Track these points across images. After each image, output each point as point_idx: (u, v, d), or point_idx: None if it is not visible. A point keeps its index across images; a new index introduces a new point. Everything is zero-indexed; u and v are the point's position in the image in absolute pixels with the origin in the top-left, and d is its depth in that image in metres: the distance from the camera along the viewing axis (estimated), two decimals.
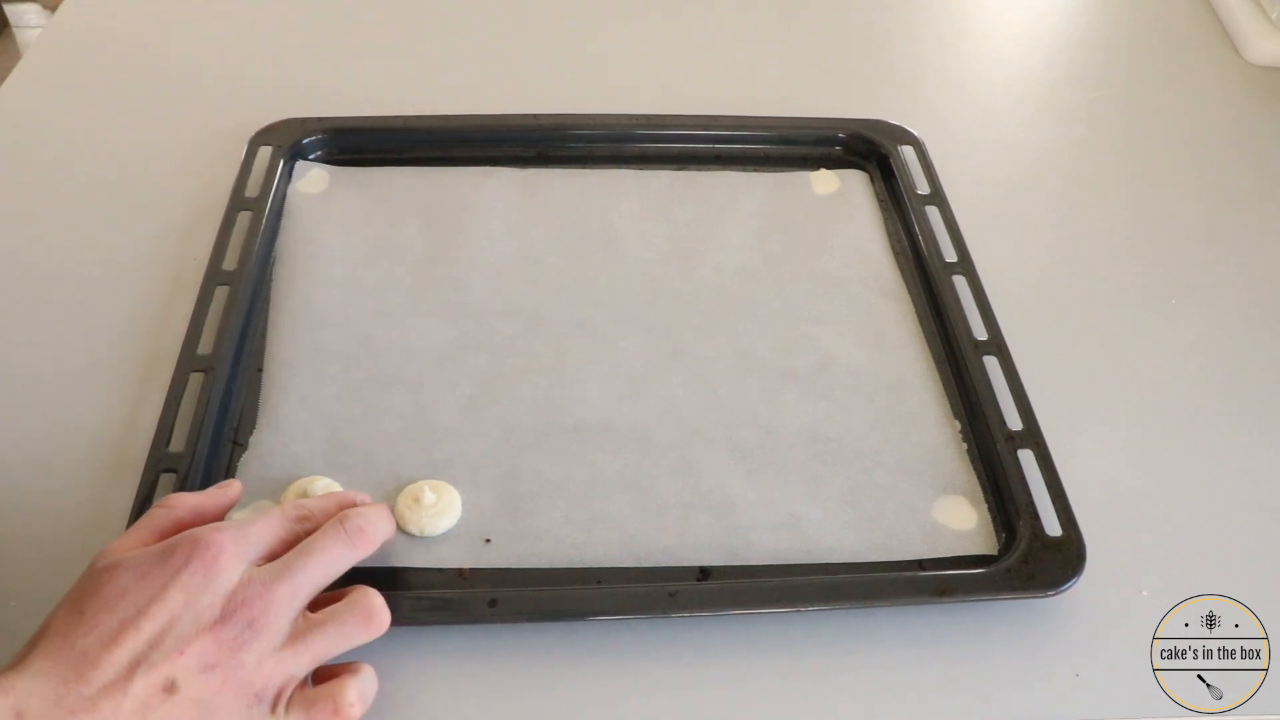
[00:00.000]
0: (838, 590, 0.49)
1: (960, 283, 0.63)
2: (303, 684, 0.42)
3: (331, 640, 0.42)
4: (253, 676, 0.40)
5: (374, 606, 0.43)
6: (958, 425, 0.56)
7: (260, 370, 0.58)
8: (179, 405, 0.54)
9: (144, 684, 0.38)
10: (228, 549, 0.41)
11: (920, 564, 0.50)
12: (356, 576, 0.49)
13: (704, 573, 0.50)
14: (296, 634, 0.41)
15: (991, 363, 0.58)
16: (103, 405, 0.56)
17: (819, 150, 0.74)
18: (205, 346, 0.57)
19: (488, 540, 0.50)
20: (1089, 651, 0.48)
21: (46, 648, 0.38)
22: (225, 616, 0.39)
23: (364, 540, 0.45)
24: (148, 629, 0.38)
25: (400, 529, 0.50)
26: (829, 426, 0.56)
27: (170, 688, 0.38)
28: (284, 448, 0.53)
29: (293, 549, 0.43)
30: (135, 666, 0.38)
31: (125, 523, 0.49)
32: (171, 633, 0.38)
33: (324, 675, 0.43)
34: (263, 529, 0.43)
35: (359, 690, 0.43)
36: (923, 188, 0.70)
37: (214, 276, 0.61)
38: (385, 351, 0.59)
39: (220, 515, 0.46)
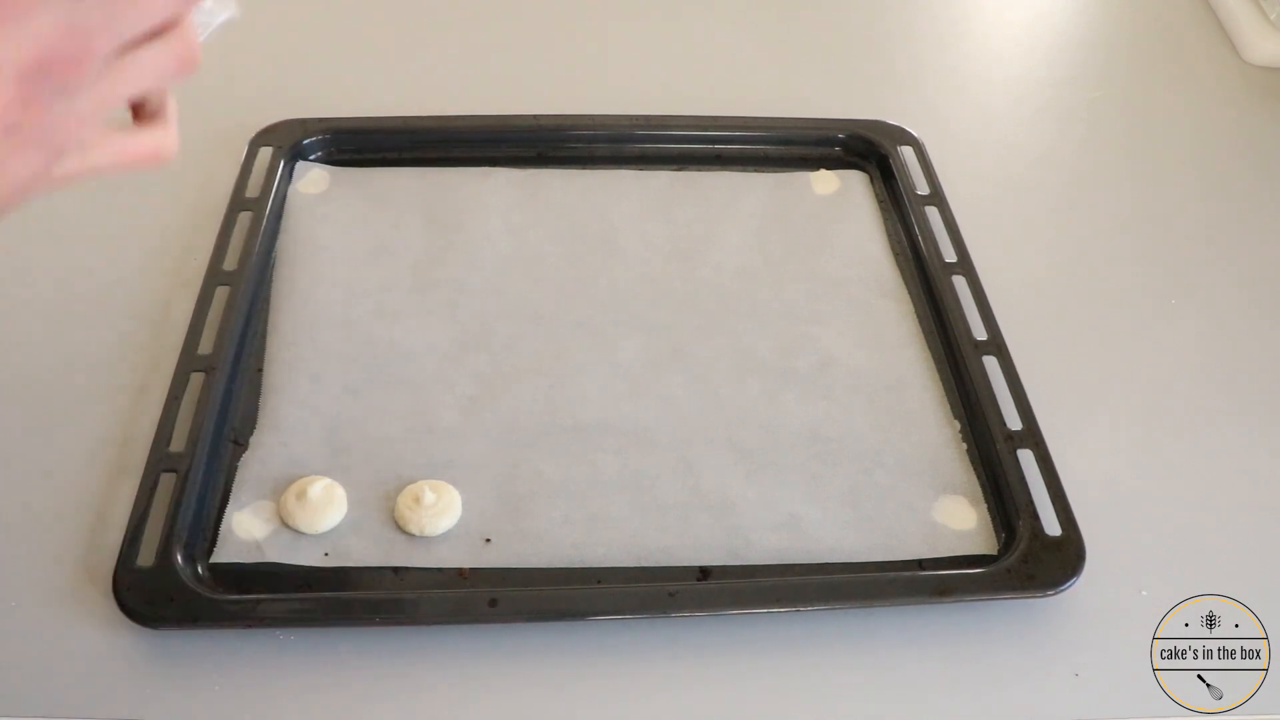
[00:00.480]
0: (838, 590, 0.49)
1: (960, 283, 0.63)
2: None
3: (144, 78, 0.36)
4: (54, 137, 0.34)
5: (191, 43, 0.37)
6: (957, 425, 0.57)
7: (260, 370, 0.58)
8: (179, 405, 0.54)
9: None
10: None
11: (920, 564, 0.50)
12: (357, 576, 0.49)
13: (704, 573, 0.50)
14: (107, 78, 0.34)
15: (991, 363, 0.58)
16: (103, 405, 0.56)
17: (819, 150, 0.74)
18: (205, 346, 0.57)
19: (488, 540, 0.50)
20: (1089, 651, 0.48)
21: None
22: (32, 73, 0.32)
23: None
24: None
25: (400, 529, 0.50)
26: (829, 426, 0.56)
27: None
28: (284, 448, 0.53)
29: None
30: None
31: (126, 522, 0.49)
32: None
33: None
34: None
35: (176, 134, 0.38)
36: (922, 188, 0.70)
37: (214, 276, 0.61)
38: (385, 351, 0.59)
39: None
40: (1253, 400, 0.60)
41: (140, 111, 0.38)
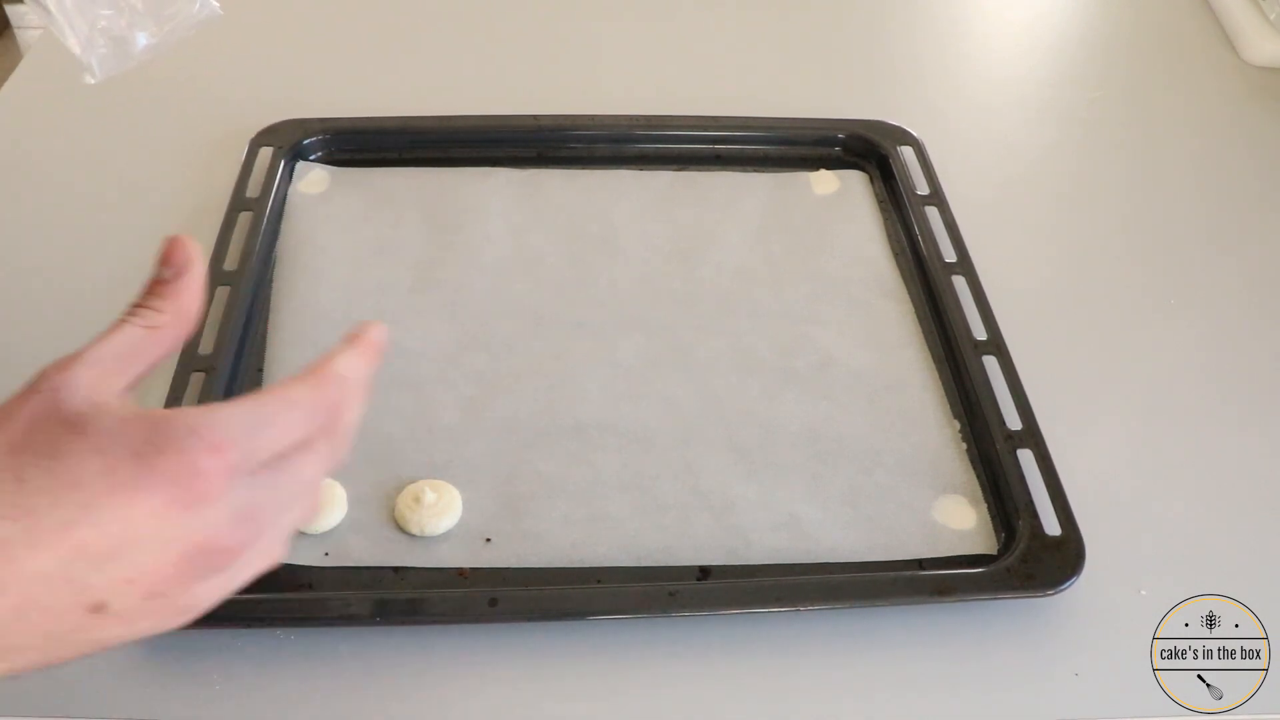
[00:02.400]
0: (837, 590, 0.49)
1: (960, 283, 0.63)
2: None
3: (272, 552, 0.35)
4: (195, 604, 0.33)
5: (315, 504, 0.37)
6: (957, 425, 0.57)
7: (260, 370, 0.58)
8: (179, 405, 0.54)
9: (64, 600, 0.30)
10: (222, 483, 0.31)
11: (920, 564, 0.50)
12: (357, 576, 0.49)
13: (704, 572, 0.50)
14: (253, 502, 0.33)
15: (991, 363, 0.58)
16: None
17: (819, 151, 0.74)
18: (206, 346, 0.57)
19: (488, 540, 0.50)
20: (1089, 651, 0.48)
21: None
22: (194, 555, 0.32)
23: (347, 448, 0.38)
24: (95, 547, 0.30)
25: (400, 529, 0.50)
26: (829, 426, 0.56)
27: (98, 609, 0.31)
28: None
29: (297, 471, 0.35)
30: (54, 579, 0.30)
31: None
32: (121, 560, 0.30)
33: None
34: (280, 435, 0.34)
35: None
36: (922, 188, 0.70)
37: (215, 277, 0.61)
38: (385, 352, 0.59)
39: (200, 305, 0.37)
40: (1253, 400, 0.60)
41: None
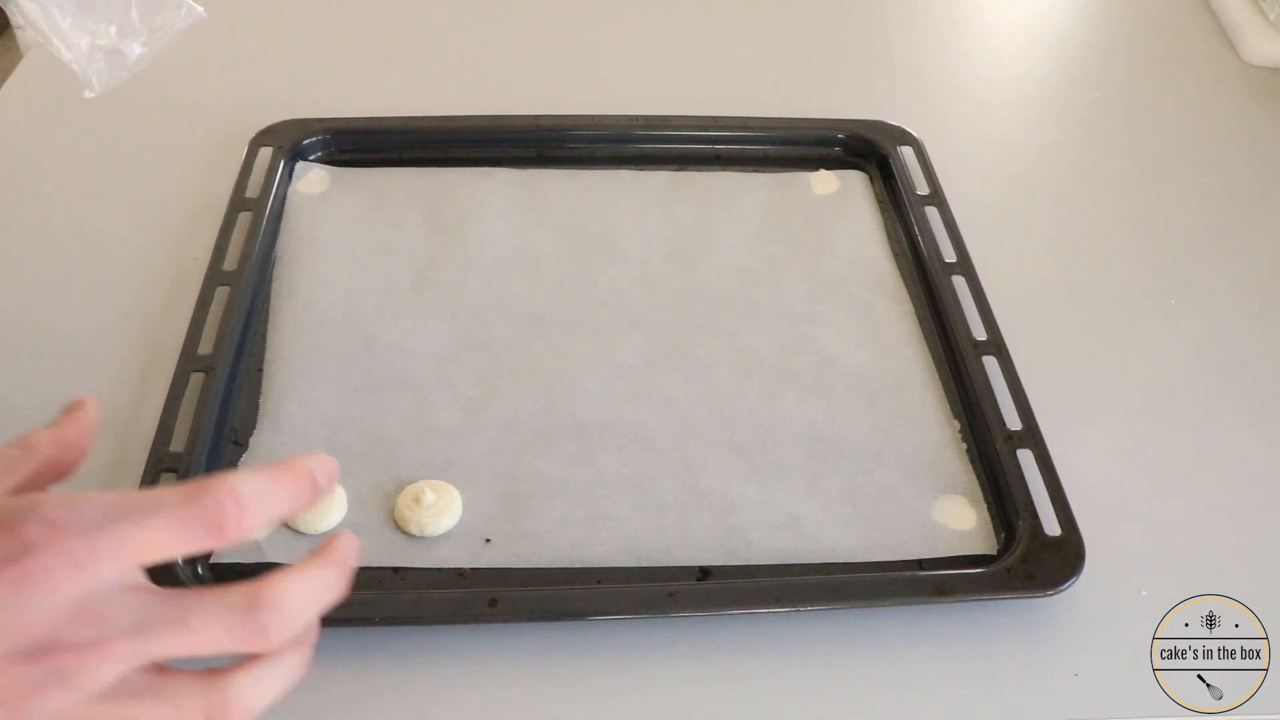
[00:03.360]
0: (837, 590, 0.49)
1: (960, 283, 0.63)
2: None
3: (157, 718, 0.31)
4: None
5: (231, 703, 0.32)
6: (957, 425, 0.56)
7: (260, 370, 0.58)
8: (179, 405, 0.54)
9: None
10: (55, 566, 0.29)
11: (920, 564, 0.50)
12: (357, 576, 0.49)
13: (704, 572, 0.50)
14: (119, 693, 0.30)
15: (991, 363, 0.58)
16: (103, 405, 0.56)
17: (819, 151, 0.74)
18: (205, 346, 0.57)
19: (488, 540, 0.50)
20: (1088, 651, 0.48)
21: None
22: (30, 653, 0.29)
23: (261, 646, 0.32)
24: None
25: (400, 529, 0.50)
26: (829, 426, 0.56)
27: None
28: (284, 448, 0.53)
29: (170, 603, 0.31)
30: None
31: None
32: None
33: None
34: (131, 535, 0.30)
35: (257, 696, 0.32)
36: (922, 188, 0.70)
37: (214, 277, 0.61)
38: (385, 351, 0.59)
39: (84, 446, 0.37)
40: (1253, 400, 0.60)
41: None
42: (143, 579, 0.32)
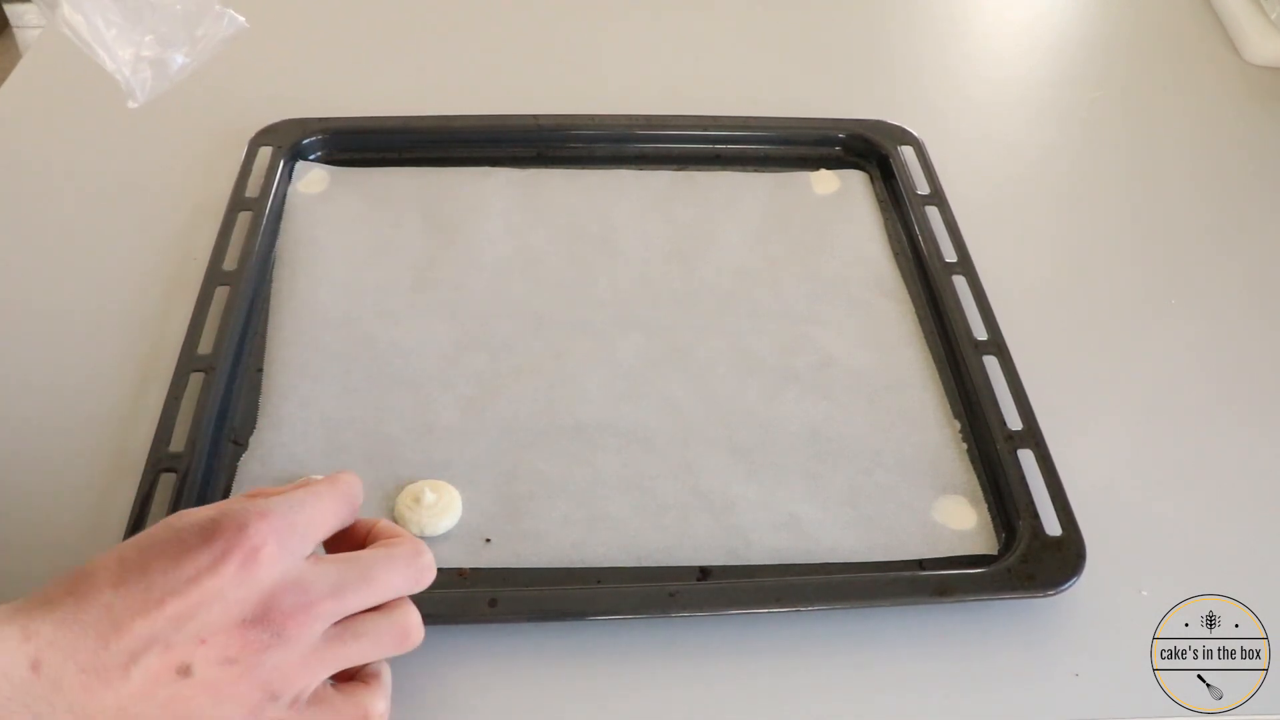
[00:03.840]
0: (837, 590, 0.49)
1: (960, 283, 0.63)
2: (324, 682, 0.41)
3: (364, 652, 0.40)
4: (272, 677, 0.38)
5: (411, 624, 0.41)
6: (957, 425, 0.56)
7: (260, 370, 0.58)
8: (179, 405, 0.54)
9: (160, 662, 0.36)
10: (268, 545, 0.38)
11: (920, 564, 0.50)
12: None
13: (704, 572, 0.50)
14: (328, 640, 0.39)
15: (991, 363, 0.58)
16: (103, 405, 0.56)
17: (819, 150, 0.74)
18: (205, 346, 0.57)
19: (488, 540, 0.50)
20: (1089, 651, 0.48)
21: (83, 592, 0.36)
22: (257, 619, 0.37)
23: (426, 582, 0.42)
24: (173, 609, 0.36)
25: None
26: (829, 426, 0.56)
27: (184, 670, 0.36)
28: (284, 448, 0.53)
29: (354, 564, 0.40)
30: (153, 642, 0.36)
31: (125, 523, 0.49)
32: (196, 619, 0.36)
33: (344, 674, 0.42)
34: (313, 516, 0.40)
35: (387, 702, 0.42)
36: (923, 188, 0.70)
37: (214, 276, 0.61)
38: (385, 351, 0.59)
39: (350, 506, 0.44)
40: (1253, 400, 0.60)
41: (356, 672, 0.42)
42: (323, 552, 0.42)
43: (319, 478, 0.42)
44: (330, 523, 0.41)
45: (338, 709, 0.40)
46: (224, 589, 0.37)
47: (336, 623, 0.39)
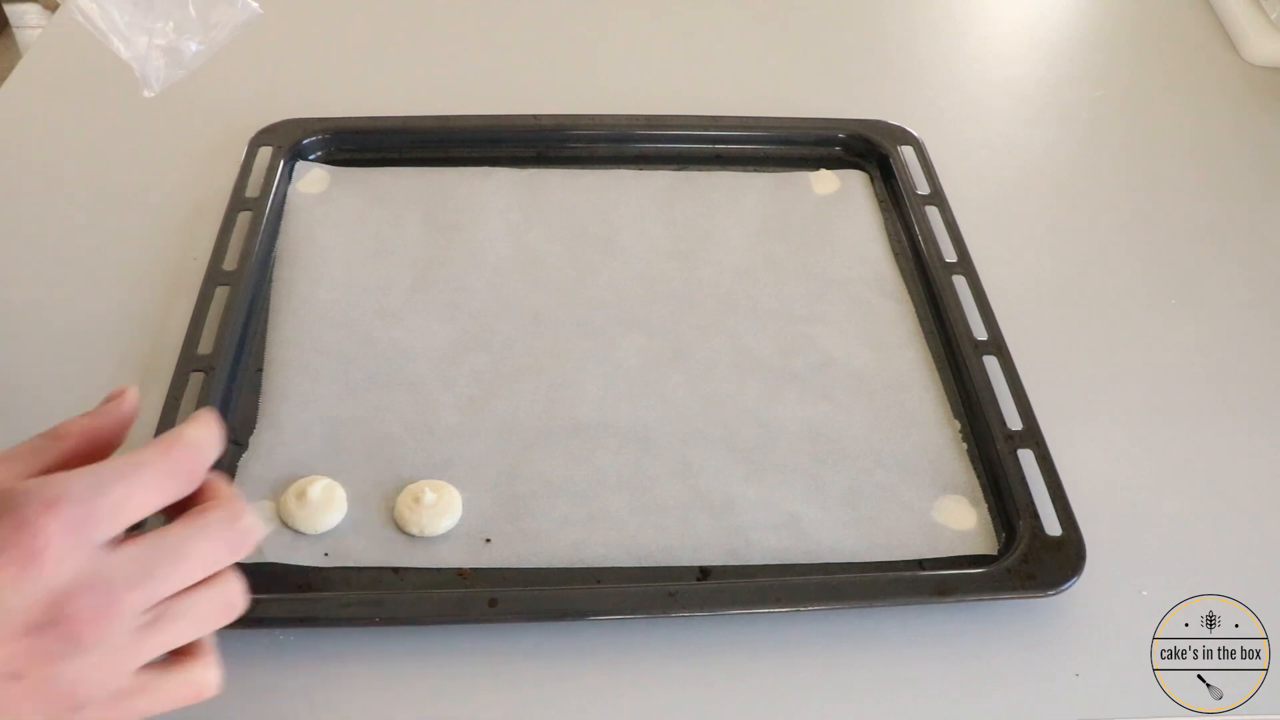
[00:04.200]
0: (837, 590, 0.49)
1: (960, 283, 0.63)
2: None
3: (184, 635, 0.35)
4: (73, 687, 0.32)
5: (234, 596, 0.36)
6: (958, 425, 0.56)
7: (260, 370, 0.58)
8: (179, 405, 0.54)
9: None
10: (54, 543, 0.31)
11: (920, 564, 0.50)
12: (357, 576, 0.49)
13: (704, 572, 0.50)
14: (142, 629, 0.33)
15: (991, 363, 0.58)
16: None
17: (819, 150, 0.74)
18: (205, 346, 0.57)
19: (488, 540, 0.50)
20: (1089, 651, 0.48)
21: None
22: (44, 626, 0.31)
23: (249, 547, 0.36)
24: None
25: (400, 529, 0.50)
26: (829, 426, 0.56)
27: None
28: (284, 448, 0.53)
29: (162, 543, 0.34)
30: None
31: None
32: None
33: None
34: (125, 497, 0.33)
35: (219, 668, 0.37)
36: (923, 188, 0.70)
37: (214, 276, 0.61)
38: (385, 351, 0.59)
39: (116, 438, 0.38)
40: (1253, 400, 0.60)
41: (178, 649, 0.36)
42: (129, 535, 0.34)
43: (153, 442, 0.36)
44: (152, 501, 0.35)
45: (167, 692, 0.35)
46: (2, 599, 0.31)
47: (150, 608, 0.34)
